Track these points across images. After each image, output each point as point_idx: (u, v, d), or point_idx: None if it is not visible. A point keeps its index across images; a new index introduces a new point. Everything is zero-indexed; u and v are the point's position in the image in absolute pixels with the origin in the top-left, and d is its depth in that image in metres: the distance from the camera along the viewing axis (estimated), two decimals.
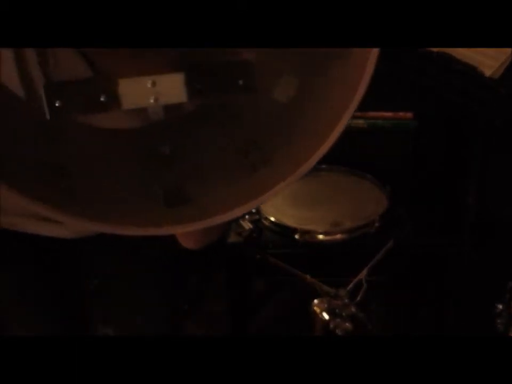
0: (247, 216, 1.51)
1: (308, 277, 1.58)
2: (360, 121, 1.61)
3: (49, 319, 0.96)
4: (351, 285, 1.60)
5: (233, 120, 0.66)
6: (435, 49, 1.31)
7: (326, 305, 1.46)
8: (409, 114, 1.64)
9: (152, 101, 0.57)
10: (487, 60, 1.30)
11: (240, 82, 0.59)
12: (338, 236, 1.49)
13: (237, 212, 0.53)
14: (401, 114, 1.64)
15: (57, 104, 0.55)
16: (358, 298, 1.56)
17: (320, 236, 1.49)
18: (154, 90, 0.57)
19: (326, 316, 1.43)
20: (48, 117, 0.55)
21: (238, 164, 0.61)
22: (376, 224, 1.49)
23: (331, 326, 1.41)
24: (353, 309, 1.49)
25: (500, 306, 1.37)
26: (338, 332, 1.38)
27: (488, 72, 1.29)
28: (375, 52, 0.51)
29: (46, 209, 0.50)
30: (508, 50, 1.30)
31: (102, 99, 0.56)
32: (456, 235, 1.65)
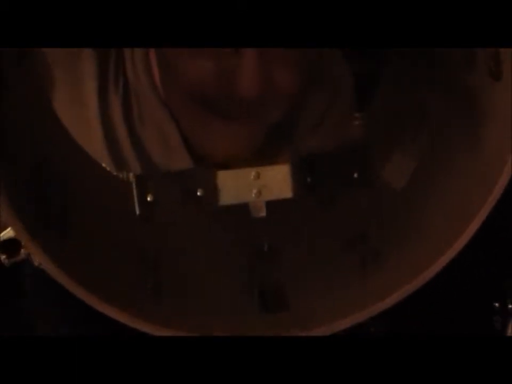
0: None
1: None
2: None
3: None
4: None
5: (338, 208, 0.57)
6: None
7: None
8: None
9: (254, 195, 0.52)
10: None
11: (355, 175, 0.53)
12: None
13: (341, 324, 0.47)
14: None
15: (149, 199, 0.49)
16: None
17: None
18: (257, 184, 0.51)
19: None
20: (138, 212, 0.49)
21: (345, 261, 0.53)
22: None
23: None
24: None
25: (497, 305, 1.37)
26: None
27: None
28: None
29: (128, 319, 0.44)
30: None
31: (198, 193, 0.51)
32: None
